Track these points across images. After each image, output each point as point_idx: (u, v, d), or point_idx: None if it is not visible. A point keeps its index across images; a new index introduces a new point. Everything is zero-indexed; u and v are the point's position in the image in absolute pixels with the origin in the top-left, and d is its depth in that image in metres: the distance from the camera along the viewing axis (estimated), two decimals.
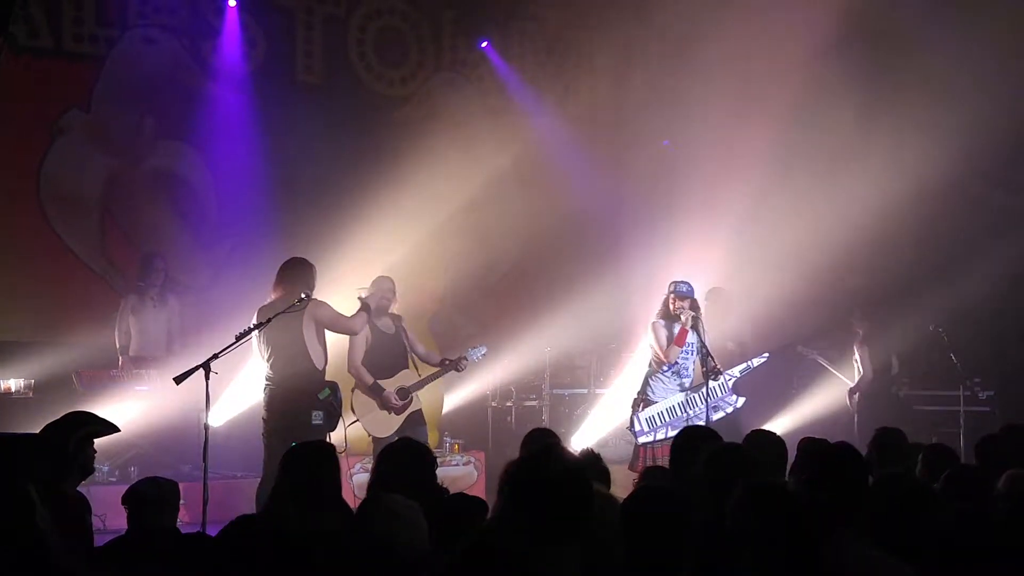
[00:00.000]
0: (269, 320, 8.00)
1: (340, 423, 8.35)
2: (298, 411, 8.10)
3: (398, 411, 9.10)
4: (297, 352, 8.18)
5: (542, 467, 3.73)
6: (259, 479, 8.26)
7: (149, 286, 11.00)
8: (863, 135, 12.32)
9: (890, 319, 11.91)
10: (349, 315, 8.63)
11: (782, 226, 12.40)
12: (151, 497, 5.01)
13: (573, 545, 3.64)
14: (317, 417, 8.10)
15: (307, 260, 8.49)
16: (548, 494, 3.63)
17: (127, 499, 5.04)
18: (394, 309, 9.32)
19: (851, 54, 12.35)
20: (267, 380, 8.28)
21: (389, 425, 9.06)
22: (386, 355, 9.17)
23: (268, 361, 8.26)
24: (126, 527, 5.03)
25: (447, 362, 9.43)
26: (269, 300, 8.33)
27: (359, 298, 8.84)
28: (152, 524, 4.92)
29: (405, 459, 5.09)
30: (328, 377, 8.40)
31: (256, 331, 8.02)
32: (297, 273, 8.35)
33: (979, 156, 11.72)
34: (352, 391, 9.07)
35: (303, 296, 8.11)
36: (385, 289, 9.24)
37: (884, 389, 11.61)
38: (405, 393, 9.18)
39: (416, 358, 9.34)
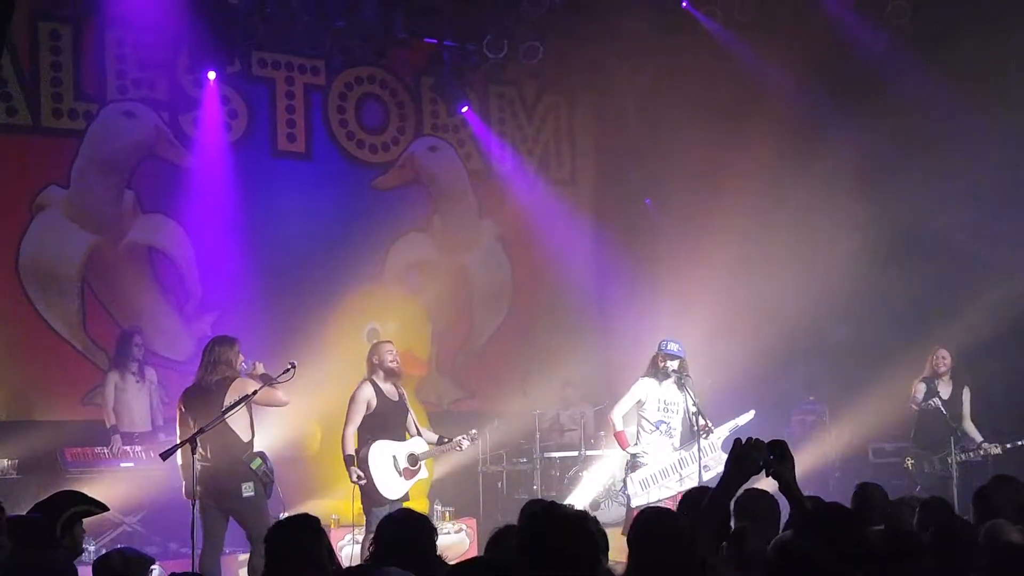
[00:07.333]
0: (255, 392, 8.01)
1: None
2: (230, 485, 8.10)
3: (407, 475, 9.06)
4: (221, 428, 8.03)
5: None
6: (248, 554, 8.34)
7: (129, 362, 10.91)
8: (844, 185, 12.29)
9: (878, 371, 11.85)
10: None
11: (765, 281, 12.36)
12: (118, 570, 4.92)
13: None
14: (247, 489, 8.11)
15: (227, 337, 8.47)
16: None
17: (95, 570, 4.94)
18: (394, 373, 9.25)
19: (831, 110, 12.41)
20: (199, 457, 8.09)
21: (399, 488, 9.02)
22: (392, 420, 9.17)
23: (199, 440, 8.05)
24: None
25: (447, 441, 9.43)
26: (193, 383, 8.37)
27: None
28: None
29: (406, 529, 4.99)
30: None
31: (242, 405, 8.00)
32: (215, 353, 8.32)
33: (964, 204, 11.71)
34: (359, 452, 8.96)
35: (289, 372, 8.11)
36: (385, 352, 9.24)
37: None
38: (415, 460, 9.17)
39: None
